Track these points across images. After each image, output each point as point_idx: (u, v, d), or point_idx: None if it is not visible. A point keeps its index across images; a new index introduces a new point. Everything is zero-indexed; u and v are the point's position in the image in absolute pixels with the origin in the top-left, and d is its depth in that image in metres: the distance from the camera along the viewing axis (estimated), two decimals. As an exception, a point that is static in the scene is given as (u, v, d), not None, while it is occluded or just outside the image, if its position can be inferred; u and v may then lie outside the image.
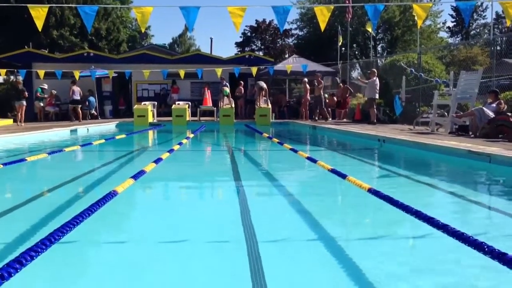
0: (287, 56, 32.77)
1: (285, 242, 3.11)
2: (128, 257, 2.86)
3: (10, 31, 25.99)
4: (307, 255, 2.88)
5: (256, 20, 42.24)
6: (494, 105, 9.53)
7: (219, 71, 17.81)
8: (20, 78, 16.64)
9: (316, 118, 16.75)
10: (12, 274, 1.58)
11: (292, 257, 2.83)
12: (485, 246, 1.89)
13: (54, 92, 18.83)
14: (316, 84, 16.79)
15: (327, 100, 17.52)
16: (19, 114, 14.96)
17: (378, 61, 22.78)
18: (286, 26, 39.71)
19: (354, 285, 2.35)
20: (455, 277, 2.50)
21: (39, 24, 6.11)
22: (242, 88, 19.45)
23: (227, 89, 17.50)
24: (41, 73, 17.16)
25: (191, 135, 10.91)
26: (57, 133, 12.29)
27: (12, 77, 21.53)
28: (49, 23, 27.07)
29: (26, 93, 15.22)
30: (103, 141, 9.60)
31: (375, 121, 14.03)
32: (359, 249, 3.00)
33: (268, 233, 3.27)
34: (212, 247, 2.99)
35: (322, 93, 16.82)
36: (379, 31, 37.53)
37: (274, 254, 2.86)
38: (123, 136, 11.23)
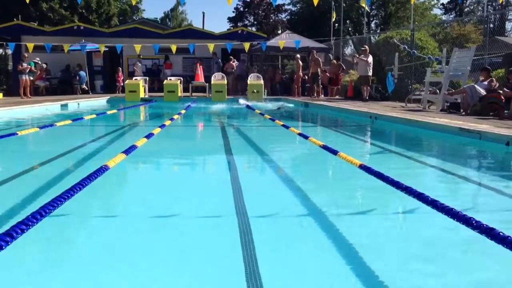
0: (280, 32, 32.43)
1: (276, 217, 3.14)
2: (119, 231, 2.87)
3: (-2, 3, 25.46)
4: (298, 229, 2.91)
5: (249, -5, 41.69)
6: (486, 82, 9.54)
7: (211, 46, 17.61)
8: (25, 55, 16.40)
9: (316, 95, 16.71)
10: (3, 247, 1.58)
11: (282, 232, 2.85)
12: (473, 221, 1.91)
13: (44, 66, 18.56)
14: (312, 61, 16.66)
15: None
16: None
17: (372, 37, 22.61)
18: (279, 1, 39.30)
19: (343, 259, 2.38)
20: (444, 251, 2.54)
21: (27, -4, 5.95)
22: (233, 64, 19.30)
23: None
24: (31, 46, 16.85)
25: (183, 111, 10.85)
26: (48, 107, 12.16)
27: (0, 50, 21.14)
28: (38, -5, 26.52)
29: (25, 66, 15.27)
30: (94, 116, 9.54)
31: (367, 98, 14.03)
32: (349, 223, 3.03)
33: (259, 207, 3.28)
34: (203, 222, 3.01)
35: (318, 70, 16.74)
36: (373, 7, 37.21)
37: (265, 228, 2.88)
38: (115, 111, 11.16)
